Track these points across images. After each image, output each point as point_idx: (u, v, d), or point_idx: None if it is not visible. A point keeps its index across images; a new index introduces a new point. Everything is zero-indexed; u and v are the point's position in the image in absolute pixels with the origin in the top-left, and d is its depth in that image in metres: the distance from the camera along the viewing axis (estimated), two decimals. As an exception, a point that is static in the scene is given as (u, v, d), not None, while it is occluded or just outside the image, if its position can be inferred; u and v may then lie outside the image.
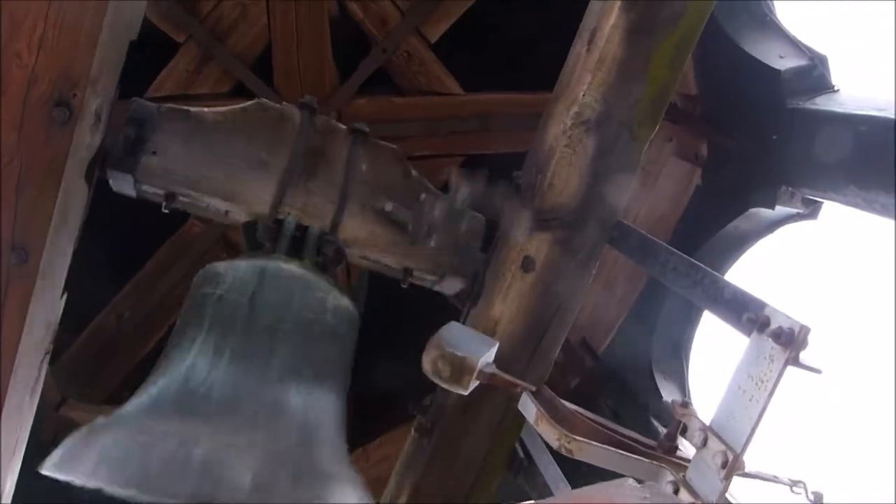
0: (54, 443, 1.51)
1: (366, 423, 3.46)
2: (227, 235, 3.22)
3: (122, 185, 1.96)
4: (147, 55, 2.23)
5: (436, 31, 3.04)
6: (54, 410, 3.18)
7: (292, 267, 1.82)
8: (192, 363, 1.62)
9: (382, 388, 3.10)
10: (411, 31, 3.02)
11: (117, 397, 3.39)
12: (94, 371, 3.36)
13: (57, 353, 3.32)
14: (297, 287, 1.78)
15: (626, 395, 2.89)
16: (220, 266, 1.81)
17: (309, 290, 1.79)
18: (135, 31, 1.82)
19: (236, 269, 1.78)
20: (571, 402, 3.11)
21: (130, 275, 3.34)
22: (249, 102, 1.98)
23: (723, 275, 2.93)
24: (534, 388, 1.51)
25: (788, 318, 1.33)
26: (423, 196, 1.95)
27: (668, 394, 2.83)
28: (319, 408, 1.62)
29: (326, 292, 1.80)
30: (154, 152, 1.89)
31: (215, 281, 1.77)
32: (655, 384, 2.89)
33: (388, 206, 1.97)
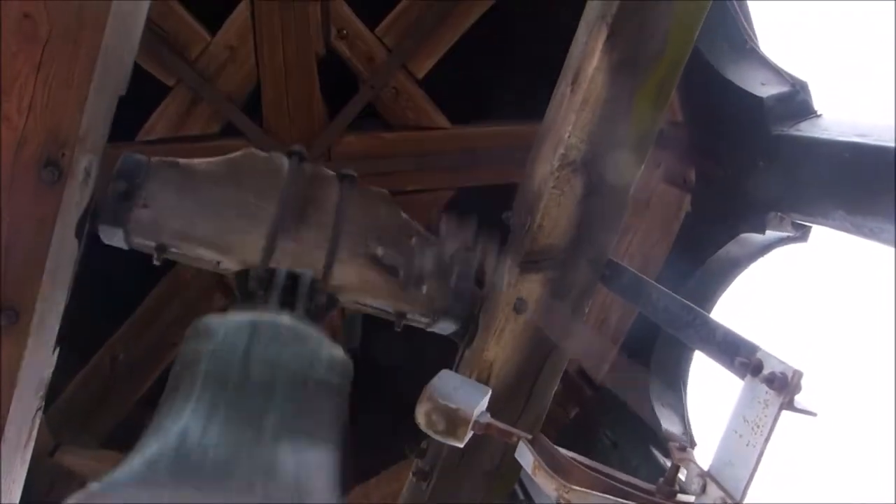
0: (49, 492, 1.50)
1: (365, 459, 3.44)
2: (221, 276, 3.21)
3: (113, 238, 1.96)
4: (137, 97, 2.25)
5: (422, 67, 3.07)
6: (48, 457, 3.15)
7: (284, 319, 1.83)
8: (185, 425, 1.60)
9: (382, 423, 3.09)
10: (398, 67, 3.04)
11: (113, 441, 3.37)
12: (89, 415, 3.34)
13: (50, 398, 3.31)
14: (290, 341, 1.78)
15: (626, 425, 2.89)
16: (213, 321, 1.81)
17: (301, 343, 1.79)
18: (124, 87, 1.83)
19: (228, 325, 1.78)
20: (571, 432, 3.12)
21: (124, 316, 3.32)
22: (238, 152, 2.01)
23: (717, 300, 2.99)
24: (530, 437, 1.51)
25: (781, 362, 1.34)
26: (413, 240, 1.97)
27: (668, 422, 2.83)
28: (314, 465, 1.62)
29: (318, 345, 1.81)
30: (145, 205, 1.91)
31: (207, 336, 1.77)
32: (654, 413, 2.89)
33: (380, 251, 1.98)
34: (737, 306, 3.06)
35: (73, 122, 1.58)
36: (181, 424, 1.63)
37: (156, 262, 1.99)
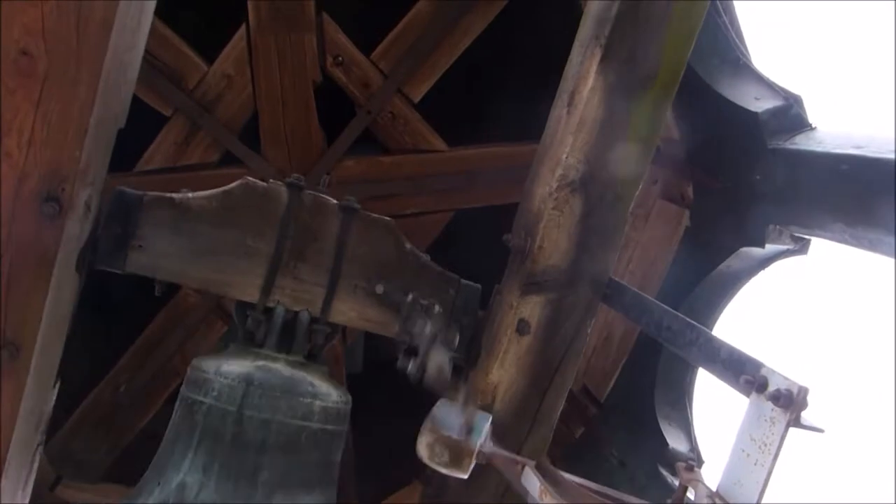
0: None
1: (371, 482, 3.42)
2: (222, 305, 3.21)
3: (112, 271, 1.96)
4: (135, 127, 2.26)
5: (418, 91, 3.09)
6: (49, 491, 3.12)
7: (280, 367, 1.85)
8: (183, 479, 1.69)
9: (387, 445, 3.07)
10: (394, 92, 3.06)
11: (115, 474, 3.35)
12: (91, 448, 3.31)
13: (51, 431, 3.29)
14: (284, 395, 1.81)
15: (633, 444, 2.87)
16: (209, 369, 1.84)
17: (296, 396, 1.82)
18: (122, 121, 1.84)
19: (224, 377, 1.81)
20: (577, 452, 3.10)
21: (125, 346, 3.31)
22: (235, 184, 1.97)
23: (719, 315, 2.98)
24: (534, 463, 1.50)
25: (786, 378, 1.33)
26: (410, 296, 1.92)
27: (674, 440, 2.82)
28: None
29: (313, 396, 1.84)
30: (140, 246, 1.89)
31: (204, 388, 1.81)
32: (661, 430, 2.88)
33: (380, 289, 1.96)
34: (739, 320, 3.05)
35: (72, 156, 1.58)
36: (180, 478, 1.71)
37: (157, 294, 1.99)
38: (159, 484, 1.67)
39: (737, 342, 1.59)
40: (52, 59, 1.51)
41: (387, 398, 3.02)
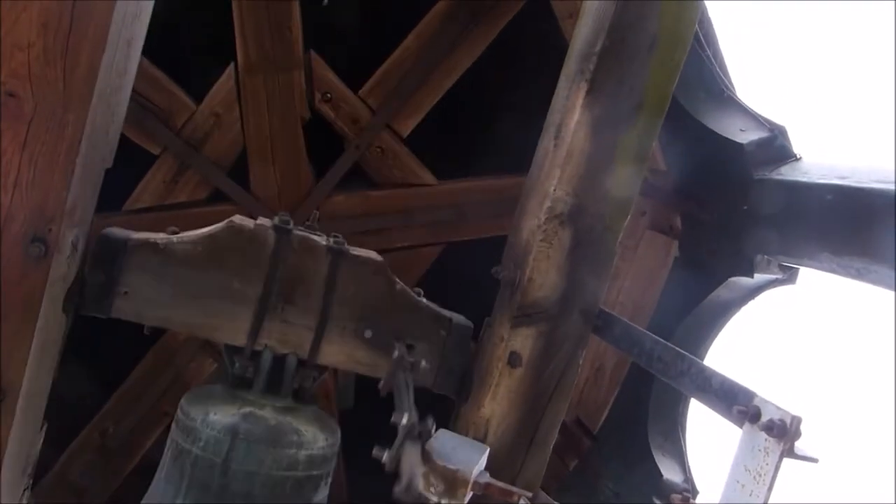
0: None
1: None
2: (212, 342, 3.18)
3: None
4: (123, 166, 2.26)
5: (407, 126, 3.11)
6: (37, 537, 3.05)
7: (266, 416, 1.86)
8: None
9: (379, 477, 3.02)
10: (382, 127, 3.08)
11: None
12: (79, 491, 3.25)
13: (39, 474, 3.22)
14: (270, 446, 1.83)
15: (627, 475, 2.84)
16: (197, 416, 1.84)
17: (281, 447, 1.83)
18: (110, 161, 1.84)
19: (211, 428, 1.82)
20: (572, 484, 3.06)
21: (114, 387, 3.27)
22: (221, 225, 1.94)
23: (709, 345, 2.98)
24: (529, 494, 1.48)
25: (779, 408, 1.33)
26: (395, 353, 1.87)
27: (668, 471, 2.79)
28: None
29: (299, 446, 1.85)
30: (126, 293, 1.87)
31: (192, 436, 1.83)
32: (654, 461, 2.85)
33: (368, 334, 1.95)
34: (730, 350, 3.05)
35: (59, 197, 1.58)
36: None
37: (146, 333, 1.97)
38: None
39: (728, 372, 1.59)
40: (38, 101, 1.52)
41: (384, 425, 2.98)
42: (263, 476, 1.81)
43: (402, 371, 1.78)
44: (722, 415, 1.48)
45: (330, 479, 1.96)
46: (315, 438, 1.89)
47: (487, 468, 1.75)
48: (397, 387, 1.73)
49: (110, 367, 3.25)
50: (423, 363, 1.91)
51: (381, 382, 1.78)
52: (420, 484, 1.45)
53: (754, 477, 1.34)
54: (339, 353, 1.98)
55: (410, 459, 1.45)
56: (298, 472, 1.85)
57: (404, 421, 1.49)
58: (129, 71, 1.75)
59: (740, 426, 1.40)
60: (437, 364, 2.02)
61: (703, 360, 2.78)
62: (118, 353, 3.14)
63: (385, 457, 1.47)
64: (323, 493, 1.93)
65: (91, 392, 3.24)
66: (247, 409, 1.87)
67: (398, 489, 1.43)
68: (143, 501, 1.90)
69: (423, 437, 1.49)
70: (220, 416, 1.84)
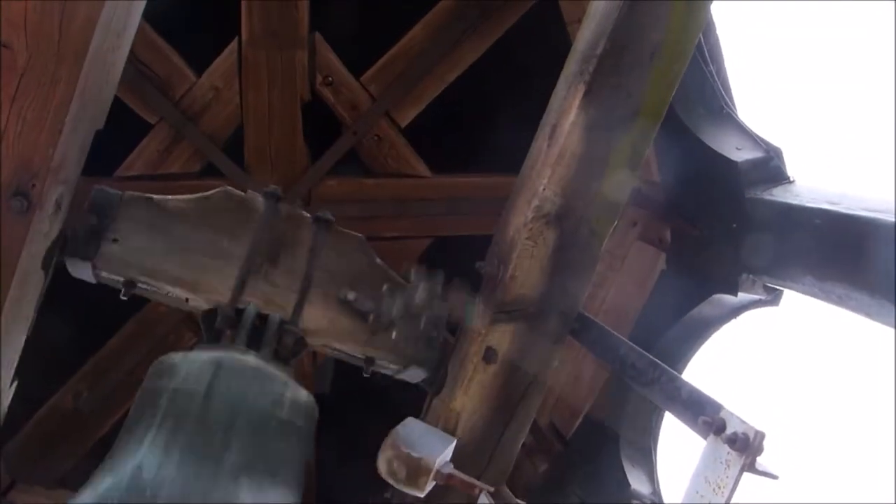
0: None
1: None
2: (193, 315, 3.17)
3: (80, 271, 1.94)
4: (118, 132, 2.25)
5: (406, 116, 3.11)
6: (2, 496, 3.04)
7: (249, 359, 1.80)
8: (140, 461, 1.56)
9: (349, 470, 3.02)
10: (381, 115, 3.08)
11: (70, 480, 3.26)
12: (47, 453, 3.24)
13: (9, 434, 3.21)
14: (254, 381, 1.75)
15: (596, 484, 2.85)
16: (176, 357, 1.78)
17: (265, 383, 1.76)
18: (101, 122, 1.83)
19: (192, 362, 1.75)
20: (540, 488, 3.07)
21: (91, 352, 3.26)
22: (214, 191, 1.99)
23: (689, 360, 2.99)
24: (492, 489, 1.48)
25: (743, 422, 1.33)
26: (384, 288, 1.96)
27: (636, 482, 2.79)
28: (274, 505, 1.57)
29: (283, 386, 1.78)
30: (115, 240, 1.89)
31: (170, 373, 1.74)
32: (624, 471, 2.85)
33: (351, 296, 1.97)
34: (708, 367, 3.06)
35: (45, 153, 1.57)
36: (137, 459, 1.59)
37: (123, 297, 1.96)
38: (111, 471, 1.57)
39: (701, 385, 1.59)
40: (32, 54, 1.51)
41: (355, 417, 2.99)
42: (247, 408, 1.70)
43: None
44: (688, 425, 1.48)
45: (309, 447, 1.86)
46: (299, 390, 1.83)
47: (454, 461, 1.75)
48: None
49: (90, 332, 3.24)
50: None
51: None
52: (382, 469, 1.45)
53: (713, 489, 1.34)
54: (321, 318, 2.00)
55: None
56: (283, 413, 1.75)
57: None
58: (127, 31, 1.74)
59: (705, 437, 1.41)
60: (415, 336, 2.04)
61: (681, 374, 2.79)
62: (99, 318, 3.14)
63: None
64: (303, 454, 1.81)
65: (67, 355, 3.22)
66: (230, 353, 1.81)
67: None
68: (108, 453, 1.81)
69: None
70: (203, 354, 1.79)
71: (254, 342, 1.91)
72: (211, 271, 1.94)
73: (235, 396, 1.70)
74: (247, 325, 1.90)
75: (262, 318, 1.95)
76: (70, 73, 1.53)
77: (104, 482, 1.58)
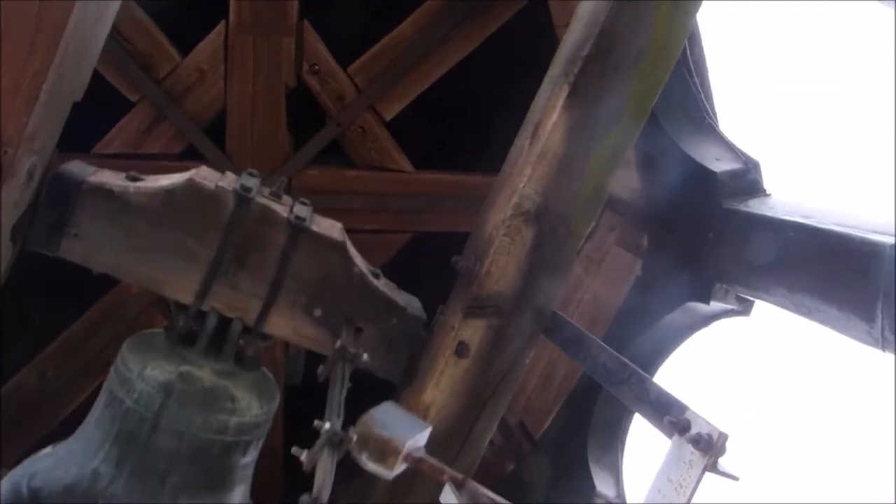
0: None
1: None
2: (165, 298, 3.13)
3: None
4: (97, 107, 2.22)
5: (391, 110, 3.10)
6: (-43, 472, 2.98)
7: (203, 377, 1.84)
8: (97, 468, 1.76)
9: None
10: (366, 108, 3.07)
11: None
12: (9, 432, 3.18)
13: (-31, 411, 3.14)
14: (202, 408, 1.82)
15: (561, 484, 2.86)
16: (134, 368, 1.83)
17: (213, 412, 1.83)
18: (79, 95, 1.81)
19: (146, 382, 1.81)
20: (506, 487, 3.07)
21: (58, 332, 3.21)
22: (180, 183, 1.88)
23: (659, 366, 3.01)
24: (461, 477, 1.48)
25: (708, 423, 1.35)
26: (339, 342, 1.83)
27: (602, 484, 2.81)
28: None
29: (231, 412, 1.84)
30: (75, 234, 1.83)
31: (126, 387, 1.82)
32: (590, 473, 2.87)
33: (318, 313, 1.93)
34: (678, 374, 3.09)
35: (19, 121, 1.55)
36: (95, 464, 1.78)
37: (94, 274, 1.93)
38: (77, 463, 1.74)
39: (670, 390, 1.61)
40: (9, 21, 1.48)
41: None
42: (191, 437, 1.81)
43: (343, 361, 1.75)
44: (654, 424, 1.49)
45: (261, 442, 1.94)
46: (249, 406, 1.88)
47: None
48: (332, 381, 1.70)
49: (59, 310, 3.19)
50: (365, 357, 1.83)
51: (320, 369, 1.77)
52: (354, 449, 1.44)
53: (675, 488, 1.35)
54: (286, 327, 1.96)
55: (325, 468, 1.40)
56: (227, 437, 1.85)
57: (326, 427, 1.46)
58: (111, 5, 1.71)
59: (669, 437, 1.42)
60: (384, 351, 2.01)
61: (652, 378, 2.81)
62: (68, 296, 3.09)
63: (303, 456, 1.44)
64: (251, 455, 1.93)
65: (34, 332, 3.17)
66: (185, 368, 1.85)
67: (304, 498, 1.38)
68: (70, 438, 1.88)
69: (341, 446, 1.44)
70: (157, 371, 1.82)
71: (215, 346, 1.93)
72: (174, 272, 1.88)
73: (180, 427, 1.81)
74: (207, 332, 1.90)
75: (224, 322, 1.93)
76: (48, 43, 1.51)
77: (71, 470, 1.76)
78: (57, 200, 1.81)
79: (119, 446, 1.81)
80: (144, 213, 1.84)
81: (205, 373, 1.86)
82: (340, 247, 1.98)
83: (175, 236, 1.86)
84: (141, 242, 1.86)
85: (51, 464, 1.84)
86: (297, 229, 1.92)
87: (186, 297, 1.90)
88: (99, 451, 1.82)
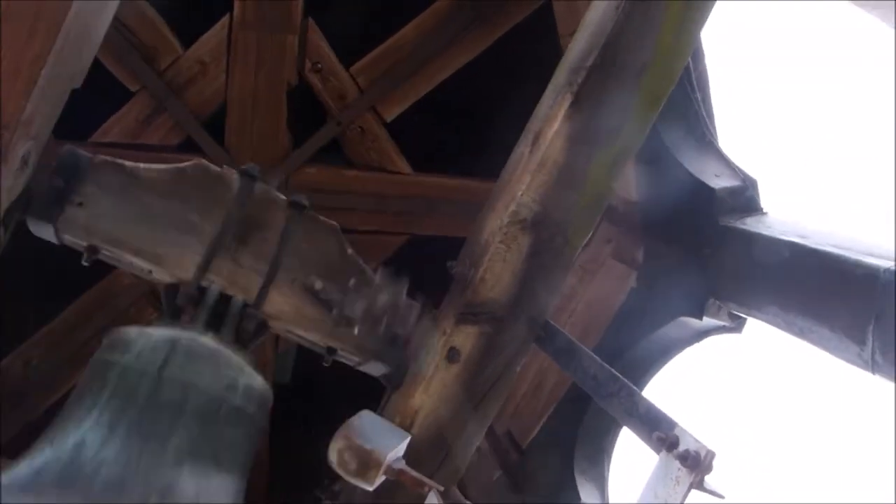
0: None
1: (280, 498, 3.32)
2: (155, 290, 3.12)
3: (43, 231, 1.89)
4: (97, 96, 2.20)
5: (392, 111, 3.10)
6: (-61, 459, 2.95)
7: (207, 340, 1.76)
8: (83, 437, 1.52)
9: (304, 460, 2.98)
10: (367, 108, 3.07)
11: (13, 449, 3.17)
12: (-6, 417, 3.15)
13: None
14: (209, 363, 1.71)
15: (547, 495, 2.84)
16: (132, 332, 1.74)
17: (220, 367, 1.72)
18: (78, 82, 1.79)
19: (147, 337, 1.70)
20: (491, 495, 3.06)
21: (47, 319, 3.18)
22: (189, 163, 1.94)
23: (649, 379, 3.00)
24: (442, 488, 1.47)
25: (696, 441, 1.34)
26: (351, 282, 1.92)
27: (587, 496, 2.80)
28: (216, 492, 1.54)
29: (238, 371, 1.74)
30: (80, 203, 1.83)
31: (123, 347, 1.69)
32: (576, 484, 2.86)
33: (318, 285, 1.94)
34: (668, 389, 3.09)
35: (17, 105, 1.53)
36: (79, 435, 1.55)
37: (84, 263, 1.91)
38: (52, 444, 1.52)
39: (660, 404, 1.60)
40: (10, 4, 1.46)
41: (312, 407, 2.95)
42: (199, 390, 1.66)
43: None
44: (643, 439, 1.48)
45: (258, 439, 1.83)
46: (254, 376, 1.80)
47: (407, 459, 1.74)
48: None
49: (48, 297, 3.16)
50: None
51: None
52: (333, 459, 1.43)
53: (662, 504, 1.34)
54: (285, 304, 1.96)
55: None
56: (235, 399, 1.71)
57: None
58: (114, -7, 1.70)
59: (657, 453, 1.41)
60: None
61: (642, 392, 2.80)
62: (58, 284, 3.07)
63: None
64: (253, 442, 1.79)
65: (22, 319, 3.15)
66: (187, 333, 1.77)
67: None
68: (49, 425, 1.79)
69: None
70: (160, 331, 1.74)
71: (214, 323, 1.87)
72: (177, 246, 1.89)
73: (188, 378, 1.67)
74: (208, 304, 1.86)
75: (225, 299, 1.91)
76: (49, 28, 1.49)
77: (43, 455, 1.54)
78: (67, 169, 1.82)
79: (114, 407, 1.60)
80: (153, 186, 1.89)
81: (208, 339, 1.79)
82: (335, 230, 2.04)
83: (181, 210, 1.90)
84: (146, 213, 1.87)
85: (24, 458, 1.60)
86: (296, 209, 1.99)
87: (186, 272, 1.90)
88: (84, 420, 1.59)
